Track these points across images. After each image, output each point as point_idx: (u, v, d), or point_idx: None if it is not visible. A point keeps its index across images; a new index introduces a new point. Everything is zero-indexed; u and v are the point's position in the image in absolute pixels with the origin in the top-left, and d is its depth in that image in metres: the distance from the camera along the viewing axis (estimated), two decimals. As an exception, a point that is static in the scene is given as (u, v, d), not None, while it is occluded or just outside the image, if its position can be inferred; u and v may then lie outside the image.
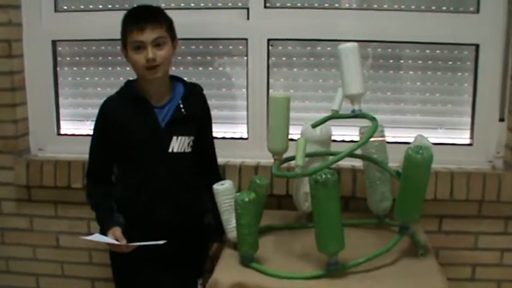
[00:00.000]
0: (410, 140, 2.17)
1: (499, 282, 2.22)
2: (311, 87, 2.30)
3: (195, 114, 1.88)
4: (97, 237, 1.76)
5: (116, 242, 1.73)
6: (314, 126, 1.79)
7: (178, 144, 1.83)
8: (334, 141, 2.03)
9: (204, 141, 1.96)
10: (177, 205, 1.86)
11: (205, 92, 1.98)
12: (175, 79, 1.91)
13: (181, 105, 1.84)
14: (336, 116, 1.76)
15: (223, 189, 1.68)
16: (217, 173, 2.03)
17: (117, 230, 1.77)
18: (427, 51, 2.25)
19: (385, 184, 1.92)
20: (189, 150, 1.85)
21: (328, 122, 1.80)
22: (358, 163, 2.07)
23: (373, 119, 1.63)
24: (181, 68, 2.26)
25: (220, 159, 2.10)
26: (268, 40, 2.22)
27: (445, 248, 2.19)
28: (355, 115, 1.68)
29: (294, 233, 1.92)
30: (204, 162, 1.97)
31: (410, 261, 1.68)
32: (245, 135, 2.32)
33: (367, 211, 1.98)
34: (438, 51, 2.24)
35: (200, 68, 2.30)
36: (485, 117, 2.23)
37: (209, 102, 2.01)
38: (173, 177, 1.84)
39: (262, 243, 1.69)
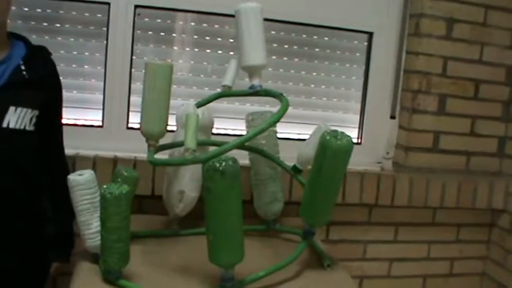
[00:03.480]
0: (291, 136, 1.92)
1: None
2: (191, 70, 1.91)
3: (41, 81, 1.40)
4: None
5: None
6: (200, 105, 1.41)
7: (17, 117, 1.33)
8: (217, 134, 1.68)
9: (52, 122, 1.48)
10: (9, 204, 1.35)
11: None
12: (16, 37, 1.43)
13: (23, 67, 1.35)
14: (228, 93, 1.40)
15: (83, 181, 1.23)
16: (65, 168, 1.56)
17: None
18: (315, 37, 1.98)
19: (276, 183, 1.61)
20: (31, 128, 1.36)
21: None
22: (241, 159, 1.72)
23: (280, 96, 1.30)
24: (34, 36, 1.73)
25: (69, 151, 1.63)
26: (136, 7, 1.80)
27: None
28: (255, 91, 1.34)
29: (163, 242, 1.52)
30: (49, 151, 1.49)
31: (317, 274, 1.37)
32: (99, 123, 1.85)
33: (250, 216, 1.62)
34: (326, 38, 1.99)
35: (46, 37, 1.78)
36: (375, 114, 2.02)
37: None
38: (7, 163, 1.33)
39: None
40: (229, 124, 1.91)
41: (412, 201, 1.93)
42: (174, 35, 1.88)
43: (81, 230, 1.27)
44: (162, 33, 1.86)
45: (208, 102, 1.42)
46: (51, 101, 1.46)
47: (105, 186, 1.16)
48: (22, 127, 1.33)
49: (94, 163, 1.70)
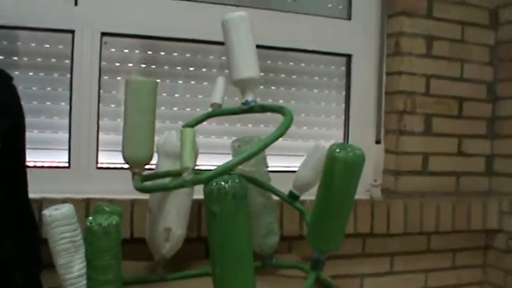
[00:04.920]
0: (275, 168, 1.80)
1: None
2: (163, 103, 1.76)
3: (2, 111, 1.22)
4: None
5: None
6: (188, 127, 1.26)
7: None
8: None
9: (15, 154, 1.29)
10: None
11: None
12: None
13: None
14: (218, 112, 1.27)
15: (61, 216, 1.05)
16: (29, 208, 1.36)
17: None
18: (291, 63, 1.89)
19: (271, 213, 1.46)
20: None
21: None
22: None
23: (281, 109, 1.17)
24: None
25: (33, 195, 1.43)
26: (102, 34, 1.66)
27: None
28: (250, 108, 1.21)
29: (150, 288, 1.33)
30: (12, 187, 1.30)
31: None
32: (66, 164, 1.67)
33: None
34: (303, 65, 1.90)
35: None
36: (359, 140, 1.92)
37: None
38: None
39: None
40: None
41: (408, 227, 1.82)
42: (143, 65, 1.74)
43: (60, 275, 1.08)
44: (130, 64, 1.72)
45: (197, 124, 1.27)
46: (14, 131, 1.27)
47: (90, 218, 0.99)
48: None
49: (63, 206, 1.50)
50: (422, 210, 1.83)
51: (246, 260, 1.01)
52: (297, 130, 1.90)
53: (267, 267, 1.46)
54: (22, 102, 1.51)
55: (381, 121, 1.91)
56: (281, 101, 1.88)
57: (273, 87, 1.88)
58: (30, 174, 1.40)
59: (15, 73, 1.61)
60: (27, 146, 1.44)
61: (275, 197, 1.46)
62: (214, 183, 0.98)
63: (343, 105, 1.94)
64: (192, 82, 1.78)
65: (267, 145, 1.05)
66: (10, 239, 1.25)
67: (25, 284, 1.26)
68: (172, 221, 1.34)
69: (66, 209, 1.07)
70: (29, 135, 1.53)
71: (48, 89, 1.66)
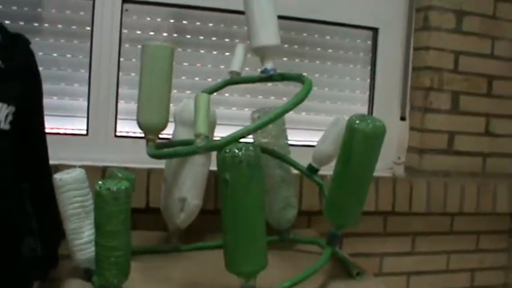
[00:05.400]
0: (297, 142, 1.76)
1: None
2: (185, 72, 1.73)
3: (19, 72, 1.21)
4: None
5: None
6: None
7: None
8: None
9: (33, 120, 1.28)
10: None
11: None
12: None
13: None
14: (237, 80, 1.24)
15: (72, 180, 1.04)
16: (48, 173, 1.35)
17: None
18: (316, 36, 1.84)
19: (289, 187, 1.43)
20: (6, 127, 1.16)
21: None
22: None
23: (301, 77, 1.13)
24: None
25: (50, 162, 1.43)
26: (123, 1, 1.64)
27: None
28: (269, 76, 1.17)
29: (164, 258, 1.32)
30: (29, 154, 1.29)
31: (347, 285, 1.18)
32: (84, 131, 1.66)
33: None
34: (328, 37, 1.85)
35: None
36: (384, 117, 1.85)
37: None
38: None
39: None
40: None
41: (431, 207, 1.77)
42: (164, 34, 1.71)
43: (70, 240, 1.07)
44: (151, 33, 1.70)
45: (215, 91, 1.24)
46: (30, 96, 1.26)
47: (100, 182, 0.97)
48: None
49: (80, 173, 1.50)
50: (446, 190, 1.78)
51: (257, 231, 0.98)
52: (320, 104, 1.86)
53: (284, 241, 1.43)
54: (42, 68, 1.52)
55: (407, 97, 1.86)
56: (304, 74, 1.83)
57: (296, 60, 1.83)
58: (48, 141, 1.40)
59: (36, 39, 1.60)
60: (46, 113, 1.45)
61: (295, 171, 1.43)
62: (227, 150, 0.95)
63: (368, 81, 1.88)
64: (214, 52, 1.74)
65: (283, 113, 1.02)
66: (26, 205, 1.25)
67: (35, 253, 1.26)
68: (188, 190, 1.32)
69: (77, 173, 1.06)
70: (48, 101, 1.55)
71: (69, 55, 1.65)
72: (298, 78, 1.12)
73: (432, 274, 1.86)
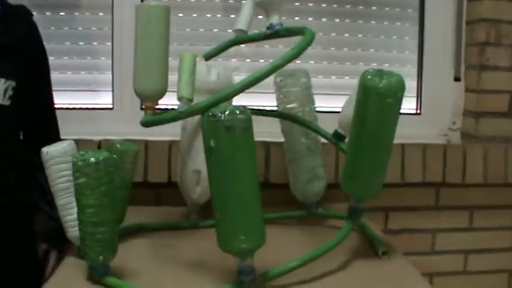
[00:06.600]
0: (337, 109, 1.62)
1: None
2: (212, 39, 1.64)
3: (19, 46, 1.17)
4: None
5: None
6: (209, 56, 1.12)
7: None
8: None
9: (36, 93, 1.25)
10: None
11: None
12: None
13: None
14: (242, 39, 1.12)
15: (57, 153, 0.97)
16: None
17: None
18: (357, -8, 1.68)
19: (315, 156, 1.31)
20: (6, 102, 1.13)
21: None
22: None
23: (303, 29, 1.00)
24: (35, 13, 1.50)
25: (73, 137, 1.38)
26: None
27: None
28: (275, 32, 1.05)
29: (179, 235, 1.24)
30: (37, 128, 1.26)
31: (370, 265, 1.05)
32: (109, 105, 1.61)
33: (287, 201, 1.33)
34: (371, -6, 1.68)
35: (47, 13, 1.57)
36: (436, 78, 1.69)
37: (60, 60, 1.45)
38: None
39: (131, 248, 1.07)
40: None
41: (488, 178, 1.58)
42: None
43: (61, 217, 1.01)
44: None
45: (219, 52, 1.14)
46: (34, 69, 1.23)
47: (78, 155, 0.89)
48: None
49: (99, 147, 1.45)
50: (507, 158, 1.58)
51: (249, 205, 0.87)
52: (365, 67, 1.69)
53: (311, 216, 1.32)
54: (68, 43, 1.49)
55: (461, 55, 1.67)
56: (346, 35, 1.69)
57: (336, 20, 1.68)
58: (73, 117, 1.37)
59: (61, 14, 1.57)
60: (73, 88, 1.42)
61: (324, 140, 1.30)
62: (209, 114, 0.84)
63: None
64: (218, 16, 1.62)
65: (277, 67, 0.90)
66: (40, 177, 1.21)
67: (53, 222, 1.22)
68: (202, 162, 1.21)
69: (64, 146, 0.99)
70: (75, 76, 1.53)
71: (94, 28, 1.60)
72: (300, 31, 0.99)
73: (494, 252, 1.67)
